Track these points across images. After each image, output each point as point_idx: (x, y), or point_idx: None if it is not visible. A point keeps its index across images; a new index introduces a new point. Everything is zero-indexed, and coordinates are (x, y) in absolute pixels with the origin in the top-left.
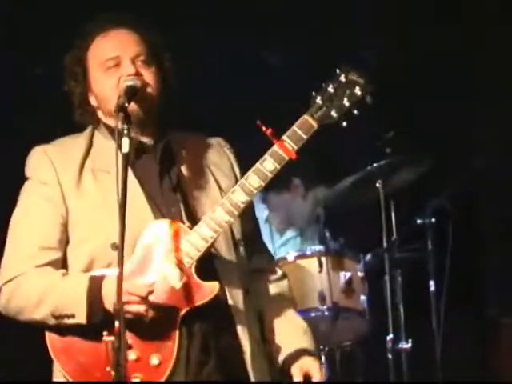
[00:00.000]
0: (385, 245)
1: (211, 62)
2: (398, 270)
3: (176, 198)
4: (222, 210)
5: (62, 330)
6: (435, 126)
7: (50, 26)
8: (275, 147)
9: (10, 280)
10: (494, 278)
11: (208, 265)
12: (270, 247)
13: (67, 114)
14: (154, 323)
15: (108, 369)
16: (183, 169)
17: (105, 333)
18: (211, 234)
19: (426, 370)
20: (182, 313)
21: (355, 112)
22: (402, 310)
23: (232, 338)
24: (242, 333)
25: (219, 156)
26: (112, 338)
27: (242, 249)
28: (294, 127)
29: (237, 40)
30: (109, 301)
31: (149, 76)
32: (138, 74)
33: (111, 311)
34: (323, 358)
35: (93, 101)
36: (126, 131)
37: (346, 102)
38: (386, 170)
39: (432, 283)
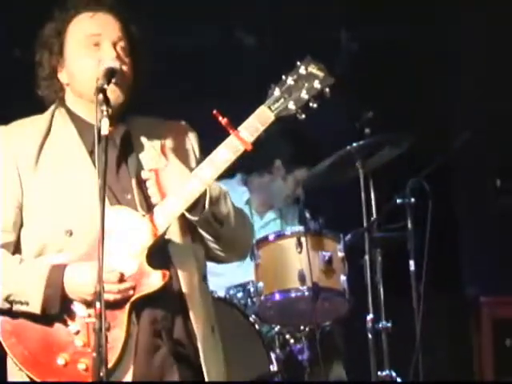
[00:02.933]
0: (365, 225)
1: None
2: (378, 249)
3: (131, 185)
4: (175, 199)
5: (14, 313)
6: (414, 105)
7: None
8: (231, 137)
9: None
10: (473, 257)
11: (161, 251)
12: None
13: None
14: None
15: (61, 359)
16: (142, 155)
17: (86, 314)
18: (164, 223)
19: (406, 350)
20: (131, 301)
21: (313, 105)
22: (381, 290)
23: (185, 324)
24: (195, 318)
25: (181, 141)
26: (93, 320)
27: (197, 234)
28: (251, 118)
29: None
30: (72, 289)
31: (125, 64)
32: (118, 58)
33: (74, 299)
34: (303, 338)
35: (62, 77)
36: (105, 112)
37: (304, 95)
38: (365, 151)
39: (412, 263)
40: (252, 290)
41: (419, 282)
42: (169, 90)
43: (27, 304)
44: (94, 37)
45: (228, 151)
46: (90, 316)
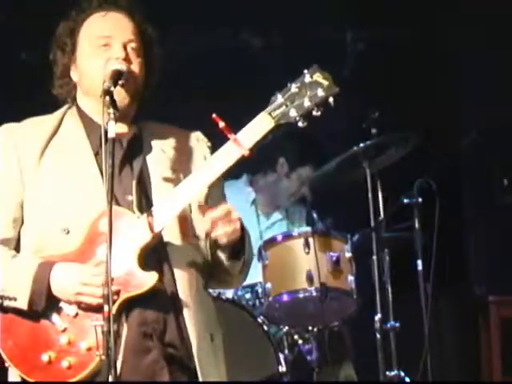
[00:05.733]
0: (372, 225)
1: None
2: (386, 249)
3: (132, 187)
4: (173, 201)
5: (5, 308)
6: (420, 106)
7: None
8: (229, 143)
9: None
10: (481, 256)
11: (156, 253)
12: (255, 230)
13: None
14: (90, 309)
15: (45, 355)
16: (150, 159)
17: (74, 313)
18: (157, 226)
19: (414, 350)
20: (119, 301)
21: (317, 113)
22: (389, 290)
23: (179, 327)
24: (190, 325)
25: (193, 150)
26: (101, 323)
27: (202, 243)
28: (250, 124)
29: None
30: (56, 287)
31: (135, 65)
32: (126, 59)
33: (59, 297)
34: (311, 338)
35: (74, 75)
36: (112, 115)
37: (306, 102)
38: (372, 151)
39: (419, 262)
40: (260, 290)
41: (427, 282)
42: (171, 92)
43: (15, 299)
44: (105, 38)
45: (226, 156)
46: (77, 315)
